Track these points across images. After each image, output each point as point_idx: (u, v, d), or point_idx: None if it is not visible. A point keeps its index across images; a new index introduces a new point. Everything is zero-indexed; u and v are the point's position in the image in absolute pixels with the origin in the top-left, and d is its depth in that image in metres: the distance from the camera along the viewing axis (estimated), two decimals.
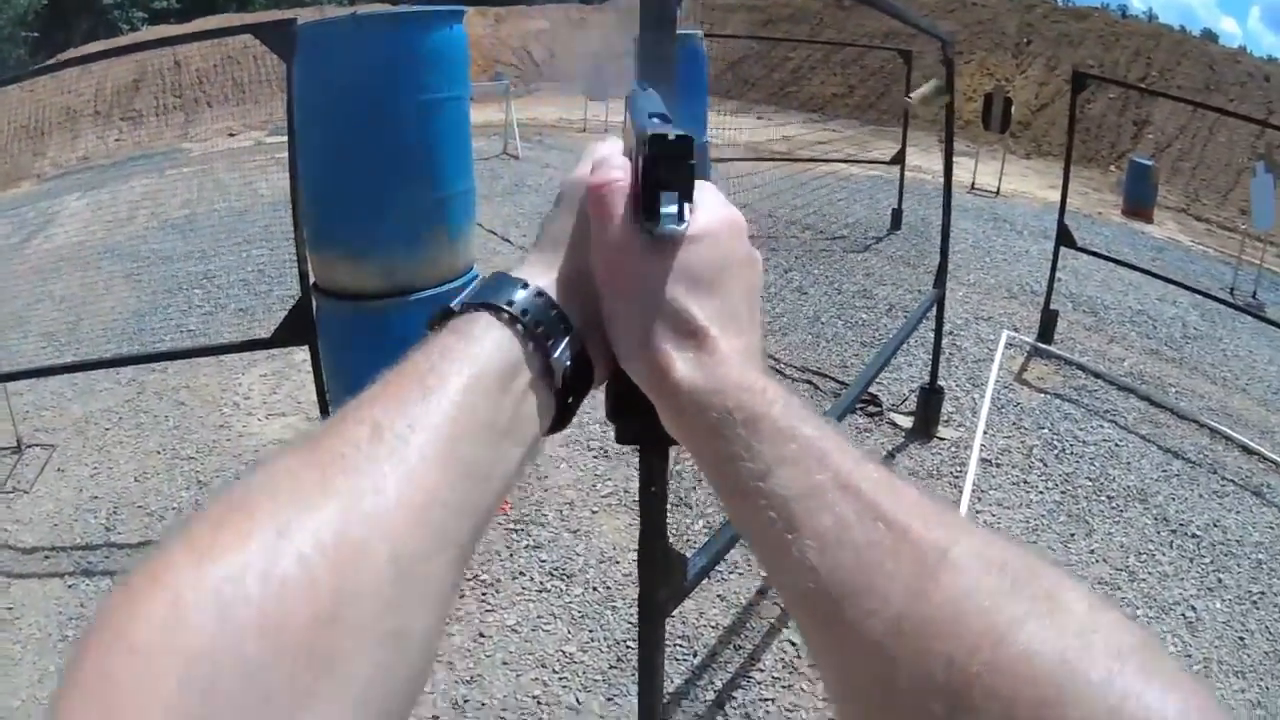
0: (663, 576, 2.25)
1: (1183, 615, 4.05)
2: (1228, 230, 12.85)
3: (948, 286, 5.31)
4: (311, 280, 3.99)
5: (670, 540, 2.40)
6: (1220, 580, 4.30)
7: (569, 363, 0.54)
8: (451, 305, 0.54)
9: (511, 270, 0.57)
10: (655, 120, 0.59)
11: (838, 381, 5.92)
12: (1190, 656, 3.82)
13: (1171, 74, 18.33)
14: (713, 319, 0.54)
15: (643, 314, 0.54)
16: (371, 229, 3.76)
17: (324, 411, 4.15)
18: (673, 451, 1.45)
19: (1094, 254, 6.77)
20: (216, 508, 0.37)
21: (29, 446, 5.31)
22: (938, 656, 0.39)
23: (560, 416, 0.56)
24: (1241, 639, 3.93)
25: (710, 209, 0.58)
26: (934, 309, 4.99)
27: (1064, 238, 6.43)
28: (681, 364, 0.53)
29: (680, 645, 3.74)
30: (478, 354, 0.50)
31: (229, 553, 0.34)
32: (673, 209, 0.55)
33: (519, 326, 0.52)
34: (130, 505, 4.71)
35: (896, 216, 9.93)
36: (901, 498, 0.45)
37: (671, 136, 0.54)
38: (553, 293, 0.56)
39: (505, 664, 3.57)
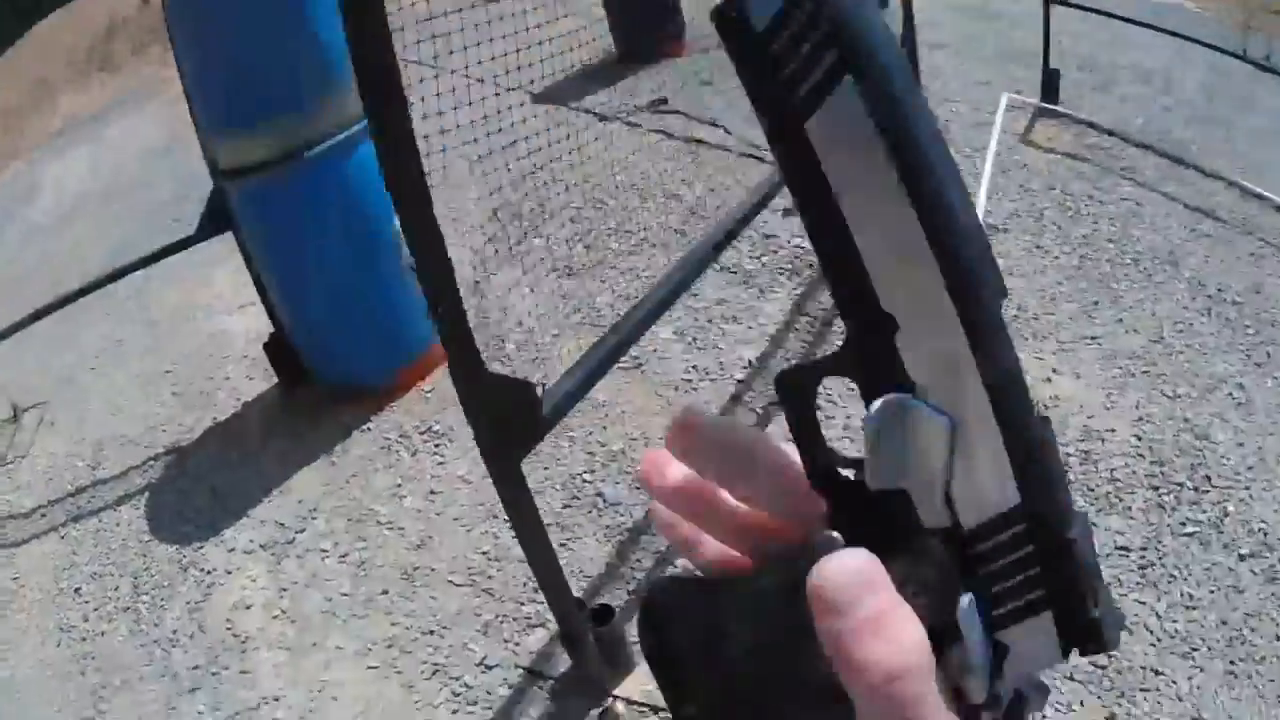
0: (496, 408, 1.89)
1: (1230, 395, 3.34)
2: None
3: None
4: (220, 166, 3.59)
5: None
6: (1269, 355, 3.56)
7: None
8: None
9: None
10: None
11: None
12: (1243, 446, 3.09)
13: None
14: None
15: None
16: (250, 93, 3.36)
17: (263, 298, 3.94)
18: None
19: (1086, 9, 5.62)
20: None
21: (25, 410, 4.91)
22: None
23: None
24: None
25: None
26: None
27: None
28: None
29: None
30: None
31: None
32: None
33: None
34: (113, 438, 4.36)
35: None
36: None
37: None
38: None
39: (456, 520, 3.22)
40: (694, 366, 3.71)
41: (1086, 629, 0.32)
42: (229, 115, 3.43)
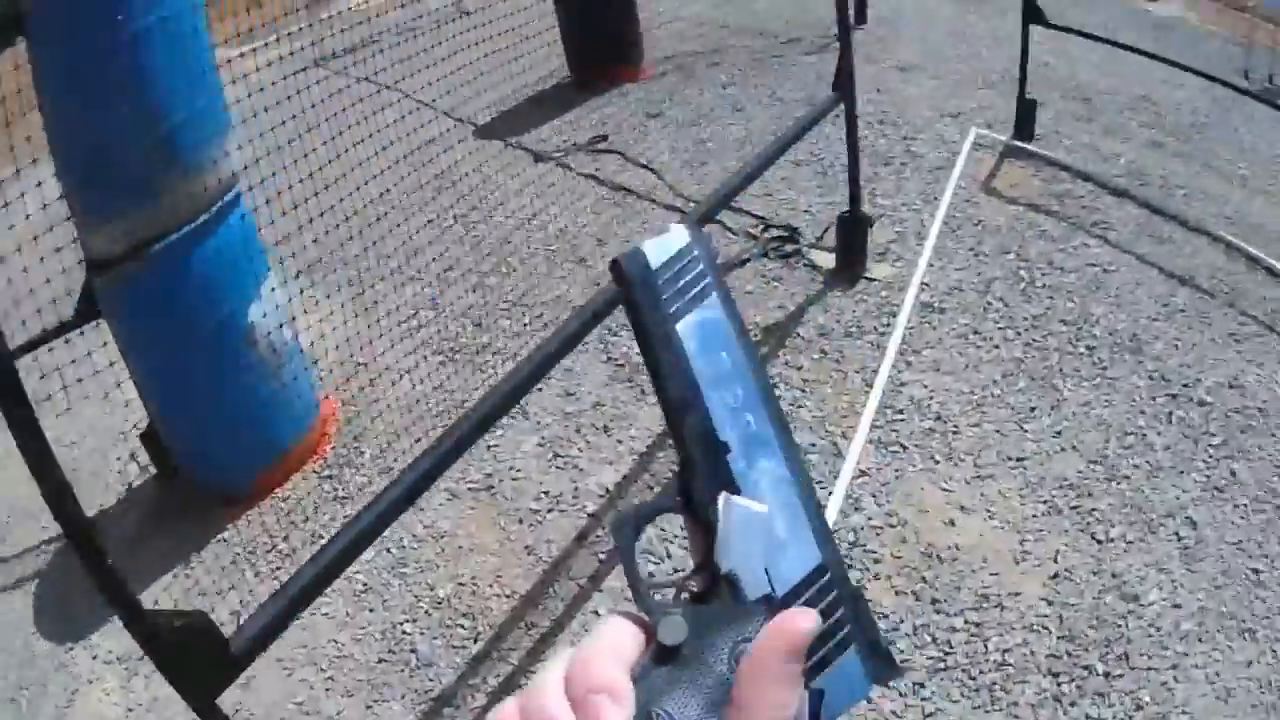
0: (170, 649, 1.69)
1: (1175, 534, 2.74)
2: (1238, 9, 10.51)
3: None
4: (87, 256, 3.36)
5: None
6: (1233, 473, 2.93)
7: None
8: None
9: None
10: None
11: (754, 216, 4.48)
12: (1179, 608, 2.52)
13: None
14: None
15: None
16: (101, 181, 3.12)
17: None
18: None
19: (1069, 30, 4.82)
20: None
21: None
22: None
23: None
24: (1257, 572, 2.59)
25: None
26: (844, 118, 3.58)
27: (1031, 13, 4.67)
28: None
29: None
30: None
31: None
32: None
33: None
34: (19, 512, 3.92)
35: (861, 7, 7.21)
36: None
37: None
38: None
39: (279, 660, 2.92)
40: (546, 492, 3.28)
41: (885, 656, 0.42)
42: (85, 205, 3.21)
